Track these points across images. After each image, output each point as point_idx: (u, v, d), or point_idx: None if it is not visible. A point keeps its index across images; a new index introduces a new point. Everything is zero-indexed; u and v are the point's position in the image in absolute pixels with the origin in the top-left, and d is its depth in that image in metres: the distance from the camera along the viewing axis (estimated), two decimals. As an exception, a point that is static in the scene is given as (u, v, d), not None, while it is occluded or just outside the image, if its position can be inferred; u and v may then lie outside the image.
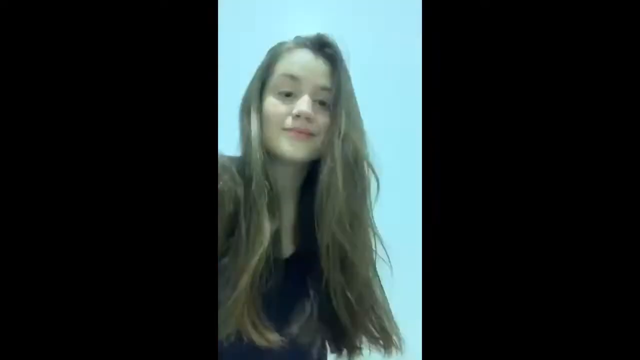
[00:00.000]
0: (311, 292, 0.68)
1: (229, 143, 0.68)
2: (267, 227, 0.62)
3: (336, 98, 0.66)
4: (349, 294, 0.66)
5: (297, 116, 0.64)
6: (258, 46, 0.72)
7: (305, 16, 1.31)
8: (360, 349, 0.72)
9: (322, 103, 0.66)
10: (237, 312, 0.58)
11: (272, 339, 0.60)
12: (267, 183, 0.63)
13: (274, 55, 0.69)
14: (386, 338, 0.71)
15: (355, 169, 0.65)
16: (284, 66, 0.67)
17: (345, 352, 0.73)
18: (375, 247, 0.70)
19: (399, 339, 0.72)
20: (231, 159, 0.66)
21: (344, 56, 0.69)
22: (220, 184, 0.60)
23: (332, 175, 0.63)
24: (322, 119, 0.66)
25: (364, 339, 0.71)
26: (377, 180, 0.69)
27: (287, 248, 0.71)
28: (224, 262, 0.61)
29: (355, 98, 0.69)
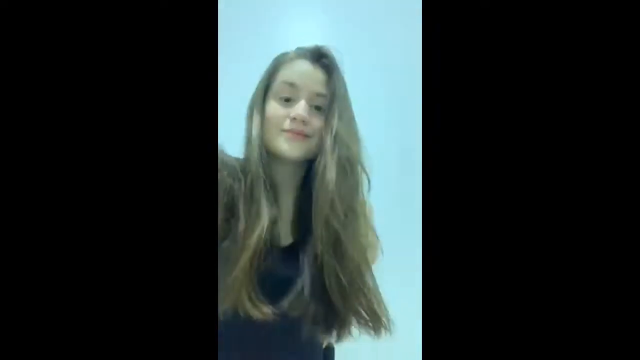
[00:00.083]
0: (305, 272, 0.72)
1: (234, 144, 0.76)
2: (265, 212, 0.69)
3: (330, 102, 0.74)
4: (341, 276, 0.70)
5: (294, 119, 0.72)
6: (258, 46, 0.79)
7: (305, 19, 1.37)
8: (349, 329, 0.76)
9: (317, 108, 0.75)
10: (235, 286, 0.66)
11: (266, 311, 0.67)
12: (264, 176, 0.71)
13: (277, 64, 0.78)
14: (376, 320, 0.74)
15: (347, 164, 0.71)
16: (285, 74, 0.76)
17: (335, 333, 0.77)
18: (368, 235, 0.75)
19: (388, 320, 0.75)
20: (236, 158, 0.75)
21: (340, 65, 0.77)
22: (221, 176, 0.68)
23: (326, 170, 0.70)
24: (317, 122, 0.74)
25: (354, 320, 0.75)
26: (368, 177, 0.76)
27: (286, 238, 0.77)
28: (225, 244, 0.69)
29: (349, 102, 0.77)
